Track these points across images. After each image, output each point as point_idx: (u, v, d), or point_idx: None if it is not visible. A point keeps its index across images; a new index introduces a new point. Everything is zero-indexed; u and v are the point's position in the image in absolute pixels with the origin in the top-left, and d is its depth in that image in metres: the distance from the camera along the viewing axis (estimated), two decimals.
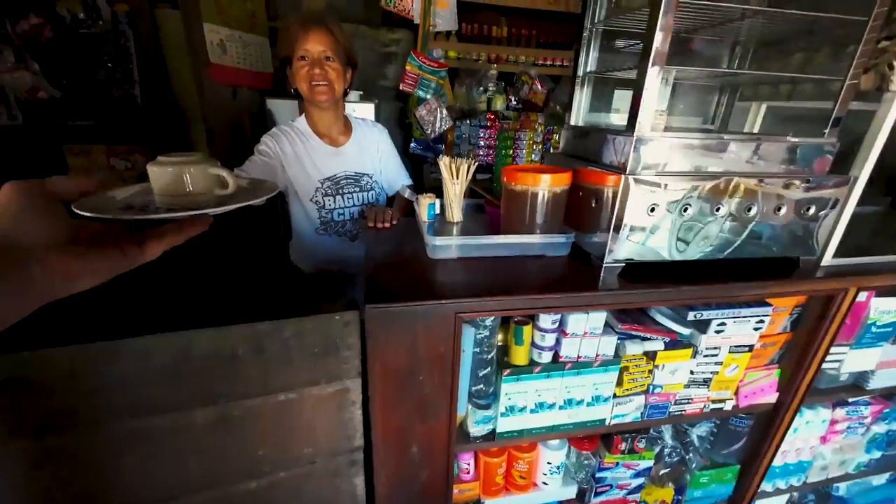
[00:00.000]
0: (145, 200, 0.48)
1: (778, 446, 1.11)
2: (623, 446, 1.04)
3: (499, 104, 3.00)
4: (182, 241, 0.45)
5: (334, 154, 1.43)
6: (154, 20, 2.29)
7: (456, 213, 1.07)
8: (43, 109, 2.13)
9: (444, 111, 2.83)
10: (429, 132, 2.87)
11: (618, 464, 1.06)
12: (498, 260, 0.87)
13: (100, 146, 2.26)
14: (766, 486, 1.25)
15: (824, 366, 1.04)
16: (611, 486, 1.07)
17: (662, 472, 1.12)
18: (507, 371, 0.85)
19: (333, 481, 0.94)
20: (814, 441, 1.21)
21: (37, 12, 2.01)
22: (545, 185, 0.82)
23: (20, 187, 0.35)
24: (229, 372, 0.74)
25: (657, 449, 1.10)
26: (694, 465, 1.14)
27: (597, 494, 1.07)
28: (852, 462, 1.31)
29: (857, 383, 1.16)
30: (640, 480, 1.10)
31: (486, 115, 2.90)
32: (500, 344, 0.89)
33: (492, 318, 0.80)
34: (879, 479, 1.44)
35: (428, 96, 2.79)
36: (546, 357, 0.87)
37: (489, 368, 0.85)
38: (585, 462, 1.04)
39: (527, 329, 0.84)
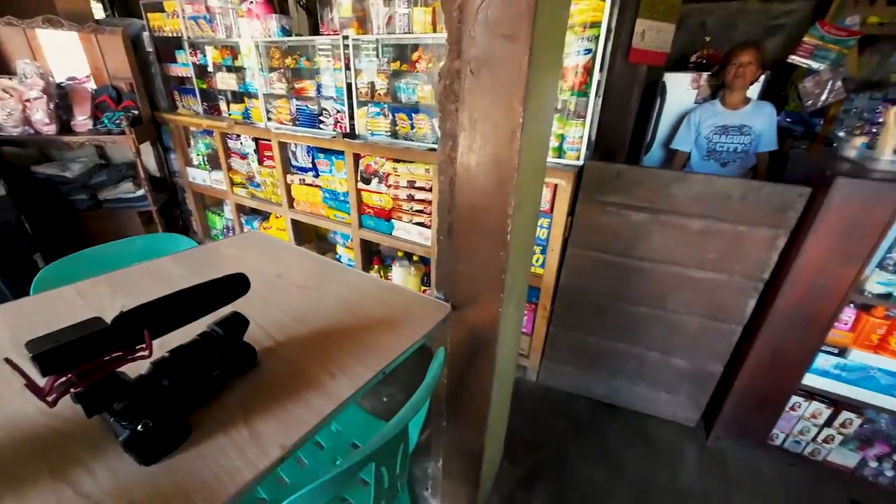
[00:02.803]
0: None
1: None
2: None
3: None
4: None
5: None
6: None
7: (889, 148, 1.41)
8: None
9: (839, 83, 2.76)
10: (808, 105, 2.88)
11: None
12: None
13: None
14: None
15: None
16: None
17: None
18: None
19: (737, 294, 1.58)
20: None
21: None
22: None
23: None
24: (722, 207, 1.47)
25: None
26: None
27: None
28: None
29: None
30: None
31: None
32: None
33: None
34: None
35: (821, 67, 2.78)
36: None
37: None
38: None
39: None
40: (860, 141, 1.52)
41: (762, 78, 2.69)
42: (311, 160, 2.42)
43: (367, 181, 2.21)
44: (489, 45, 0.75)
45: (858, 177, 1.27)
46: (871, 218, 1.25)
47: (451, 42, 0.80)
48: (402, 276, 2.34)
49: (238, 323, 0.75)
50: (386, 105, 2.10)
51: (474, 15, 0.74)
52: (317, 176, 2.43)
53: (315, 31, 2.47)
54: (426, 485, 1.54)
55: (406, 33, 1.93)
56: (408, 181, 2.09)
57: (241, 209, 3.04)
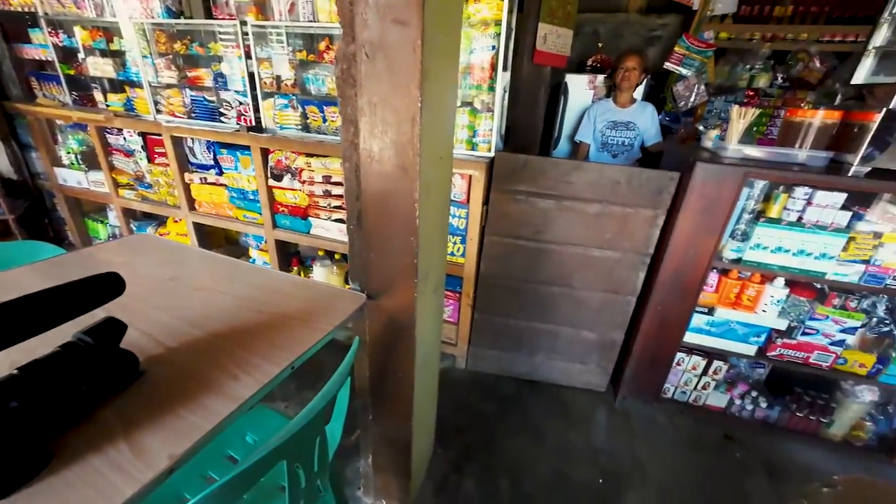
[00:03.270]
0: None
1: None
2: (836, 302, 1.54)
3: (762, 82, 3.21)
4: None
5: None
6: None
7: (735, 138, 1.71)
8: None
9: (702, 87, 3.26)
10: (681, 106, 3.36)
11: (828, 317, 1.57)
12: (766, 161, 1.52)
13: None
14: None
15: None
16: (817, 331, 1.59)
17: (869, 337, 1.56)
18: (764, 219, 1.50)
19: (629, 269, 1.79)
20: None
21: None
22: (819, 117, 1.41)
23: None
24: (612, 192, 1.65)
25: (868, 318, 1.54)
26: None
27: (804, 334, 1.62)
28: None
29: None
30: (845, 337, 1.57)
31: (745, 91, 3.18)
32: (758, 207, 1.55)
33: (763, 182, 1.47)
34: None
35: (689, 73, 3.26)
36: (792, 216, 1.48)
37: (750, 216, 1.53)
38: (800, 306, 1.59)
39: (784, 197, 1.47)
40: (714, 133, 1.81)
41: (645, 81, 3.07)
42: (212, 156, 2.21)
43: (278, 178, 2.08)
44: (382, 30, 0.75)
45: (713, 162, 1.52)
46: (723, 195, 1.50)
47: (344, 25, 0.79)
48: (324, 276, 2.25)
49: (112, 329, 0.66)
50: (294, 97, 2.00)
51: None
52: (220, 174, 2.23)
53: (209, 14, 2.26)
54: (358, 484, 1.51)
55: (311, 22, 1.85)
56: (323, 176, 2.01)
57: (130, 214, 2.67)
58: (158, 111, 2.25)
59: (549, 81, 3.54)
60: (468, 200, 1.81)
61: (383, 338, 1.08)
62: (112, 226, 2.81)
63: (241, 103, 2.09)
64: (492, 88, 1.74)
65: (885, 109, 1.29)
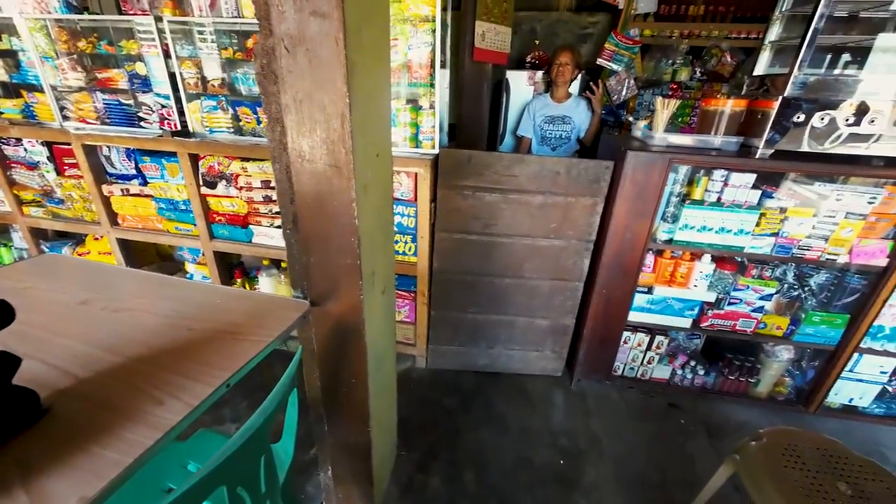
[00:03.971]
0: None
1: (885, 301, 1.61)
2: (754, 273, 1.71)
3: (683, 75, 3.48)
4: None
5: None
6: None
7: (661, 128, 1.84)
8: None
9: (632, 81, 3.47)
10: (615, 99, 3.56)
11: (748, 287, 1.73)
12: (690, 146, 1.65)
13: None
14: (875, 345, 1.72)
15: None
16: (740, 300, 1.76)
17: (782, 302, 1.74)
18: (689, 201, 1.63)
19: (575, 256, 1.87)
20: None
21: None
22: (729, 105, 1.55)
23: None
24: (553, 183, 1.71)
25: (781, 285, 1.72)
26: (808, 305, 1.72)
27: (729, 304, 1.77)
28: None
29: None
30: (763, 304, 1.74)
31: (670, 84, 3.43)
32: (684, 190, 1.67)
33: (686, 167, 1.59)
34: None
35: (619, 69, 3.46)
36: (713, 197, 1.61)
37: (677, 199, 1.65)
38: (725, 279, 1.74)
39: (705, 180, 1.60)
40: (643, 124, 1.93)
41: (579, 76, 3.21)
42: (134, 165, 2.02)
43: (212, 185, 1.94)
44: (301, 23, 0.72)
45: (642, 150, 1.62)
46: (652, 181, 1.60)
47: (260, 17, 0.75)
48: (271, 286, 2.14)
49: (0, 365, 0.58)
50: (224, 98, 1.88)
51: None
52: (145, 184, 2.04)
53: (119, 10, 2.06)
54: (320, 499, 1.46)
55: (236, 17, 1.74)
56: (262, 181, 1.91)
57: (40, 234, 2.38)
58: (66, 118, 2.02)
59: (491, 78, 3.59)
60: (416, 198, 1.80)
61: (332, 344, 1.04)
62: (19, 248, 2.49)
63: (163, 106, 1.93)
64: (432, 85, 1.74)
65: (780, 98, 1.44)
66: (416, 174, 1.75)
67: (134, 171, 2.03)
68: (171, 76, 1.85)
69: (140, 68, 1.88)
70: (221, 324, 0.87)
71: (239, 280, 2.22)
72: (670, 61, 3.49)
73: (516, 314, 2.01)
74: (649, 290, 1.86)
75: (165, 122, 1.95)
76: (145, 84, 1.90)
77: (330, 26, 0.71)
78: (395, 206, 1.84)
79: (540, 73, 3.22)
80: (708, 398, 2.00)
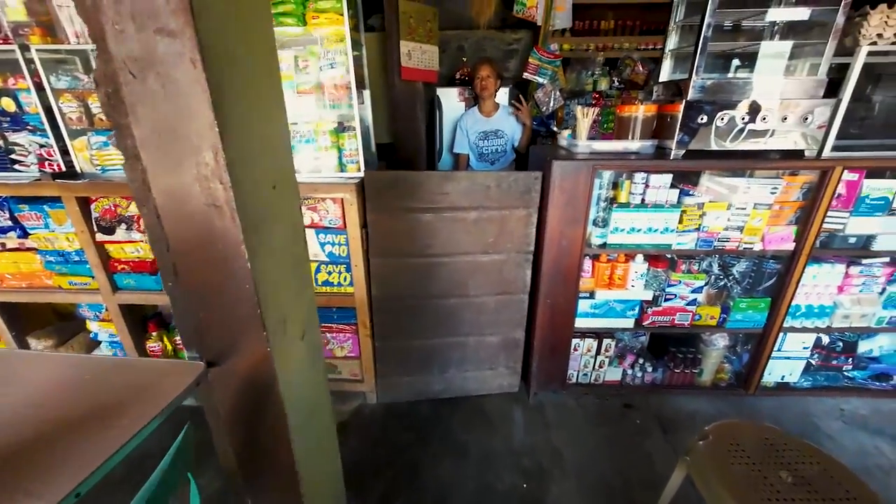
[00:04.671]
0: None
1: (798, 282, 1.73)
2: (684, 268, 1.77)
3: (603, 85, 3.69)
4: None
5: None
6: None
7: (583, 136, 1.89)
8: None
9: (558, 93, 3.62)
10: (544, 110, 3.69)
11: (680, 281, 1.79)
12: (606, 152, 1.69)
13: None
14: (795, 323, 1.84)
15: (830, 225, 1.64)
16: (675, 295, 1.81)
17: (712, 292, 1.82)
18: (616, 205, 1.66)
19: (516, 268, 1.84)
20: (832, 289, 1.77)
21: None
22: (641, 111, 1.61)
23: None
24: (485, 197, 1.68)
25: (709, 277, 1.80)
26: (735, 293, 1.81)
27: (666, 300, 1.82)
28: (873, 317, 1.81)
29: (866, 246, 1.71)
30: (696, 296, 1.81)
31: (592, 94, 3.62)
32: (611, 194, 1.71)
33: (610, 172, 1.62)
34: None
35: (545, 82, 3.61)
36: (637, 199, 1.66)
37: (605, 203, 1.67)
38: (659, 276, 1.80)
39: (628, 183, 1.64)
40: (567, 133, 1.97)
41: (507, 89, 3.30)
42: (8, 216, 1.73)
43: (109, 230, 1.71)
44: (146, 43, 0.61)
45: (567, 159, 1.63)
46: (580, 188, 1.62)
47: (96, 38, 0.63)
48: None
49: None
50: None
51: (114, 5, 0.59)
52: (25, 236, 1.76)
53: None
54: None
55: None
56: None
57: None
58: None
59: (425, 96, 3.58)
60: (345, 225, 1.69)
61: (240, 406, 0.90)
62: None
63: (41, 146, 1.68)
64: (350, 106, 1.66)
65: (684, 101, 1.52)
66: (342, 199, 1.65)
67: (9, 223, 1.74)
68: (49, 111, 1.62)
69: (7, 104, 1.63)
70: (86, 407, 0.71)
71: (154, 334, 1.96)
72: (590, 72, 3.69)
73: (466, 334, 1.94)
74: (591, 295, 1.87)
75: (46, 163, 1.70)
76: (15, 122, 1.65)
77: (182, 46, 0.61)
78: (322, 236, 1.72)
79: (468, 89, 3.26)
80: (659, 393, 2.04)
